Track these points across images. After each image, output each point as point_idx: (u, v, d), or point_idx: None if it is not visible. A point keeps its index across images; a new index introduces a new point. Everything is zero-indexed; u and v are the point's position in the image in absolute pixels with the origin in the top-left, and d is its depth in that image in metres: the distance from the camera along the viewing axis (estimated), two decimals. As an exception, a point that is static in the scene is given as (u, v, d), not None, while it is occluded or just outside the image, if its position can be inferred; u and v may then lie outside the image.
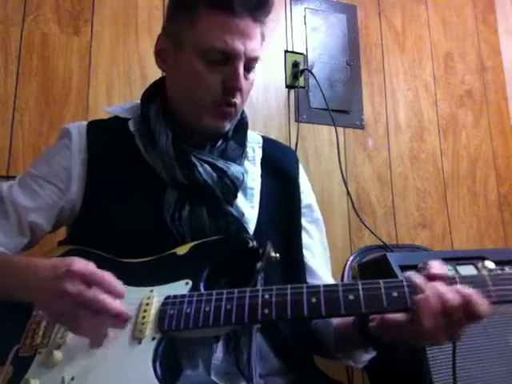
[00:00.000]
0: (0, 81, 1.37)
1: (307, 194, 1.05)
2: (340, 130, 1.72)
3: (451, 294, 0.66)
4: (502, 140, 2.01)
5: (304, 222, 1.01)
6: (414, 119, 1.88)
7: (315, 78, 1.70)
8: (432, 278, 0.69)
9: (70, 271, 0.67)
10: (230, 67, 0.86)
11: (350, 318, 0.84)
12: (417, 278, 0.69)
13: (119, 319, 0.68)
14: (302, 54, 1.75)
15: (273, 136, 1.51)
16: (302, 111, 1.70)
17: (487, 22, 2.12)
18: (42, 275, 0.71)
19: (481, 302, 0.66)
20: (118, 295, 0.69)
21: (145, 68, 1.52)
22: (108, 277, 0.69)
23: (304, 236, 1.00)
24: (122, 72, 1.50)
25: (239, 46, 0.84)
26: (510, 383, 1.08)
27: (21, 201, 0.89)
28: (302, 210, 1.01)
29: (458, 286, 0.67)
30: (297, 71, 1.70)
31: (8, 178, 1.28)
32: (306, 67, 1.73)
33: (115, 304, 0.68)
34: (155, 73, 1.50)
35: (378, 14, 1.92)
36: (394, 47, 1.92)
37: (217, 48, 0.84)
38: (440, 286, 0.67)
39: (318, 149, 1.70)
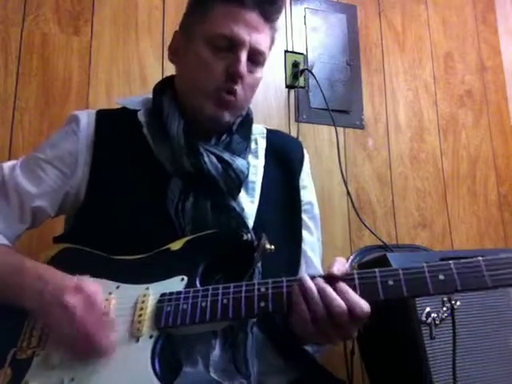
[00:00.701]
0: (0, 81, 1.37)
1: (309, 190, 1.05)
2: (340, 130, 1.72)
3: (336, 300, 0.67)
4: (501, 140, 2.01)
5: (305, 217, 1.01)
6: (414, 119, 1.88)
7: (315, 78, 1.70)
8: (329, 278, 0.71)
9: (77, 286, 0.71)
10: (233, 54, 0.89)
11: None
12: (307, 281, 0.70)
13: (103, 353, 0.70)
14: (302, 54, 1.75)
15: (273, 136, 1.51)
16: (302, 111, 1.70)
17: (487, 22, 2.12)
18: (51, 285, 0.73)
19: (363, 306, 0.67)
20: (109, 326, 0.71)
21: (144, 68, 1.52)
22: (106, 313, 0.72)
23: (304, 232, 1.00)
24: (121, 72, 1.50)
25: (244, 34, 0.88)
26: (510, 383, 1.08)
27: (24, 185, 0.89)
28: (304, 207, 1.01)
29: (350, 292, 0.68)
30: (297, 71, 1.70)
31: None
32: (306, 67, 1.73)
33: (107, 340, 0.70)
34: (155, 73, 1.51)
35: (378, 14, 1.92)
36: (394, 47, 1.92)
37: (223, 34, 0.88)
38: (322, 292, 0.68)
39: (318, 149, 1.70)
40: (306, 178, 1.05)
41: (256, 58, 0.92)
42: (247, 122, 1.00)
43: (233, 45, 0.88)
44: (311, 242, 1.01)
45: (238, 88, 0.90)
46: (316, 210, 1.06)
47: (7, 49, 1.39)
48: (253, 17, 0.89)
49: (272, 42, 0.96)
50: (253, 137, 1.02)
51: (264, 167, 0.99)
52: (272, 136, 1.06)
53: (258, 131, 1.05)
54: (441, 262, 0.70)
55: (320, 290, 0.69)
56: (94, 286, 0.73)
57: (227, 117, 0.93)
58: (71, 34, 1.47)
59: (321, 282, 0.70)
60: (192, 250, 0.81)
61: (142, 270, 0.80)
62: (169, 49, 0.99)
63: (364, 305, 0.68)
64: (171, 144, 0.89)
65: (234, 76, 0.89)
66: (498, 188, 1.94)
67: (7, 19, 1.41)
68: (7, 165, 0.93)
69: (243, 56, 0.89)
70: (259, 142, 1.03)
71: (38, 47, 1.43)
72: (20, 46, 1.41)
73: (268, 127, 1.09)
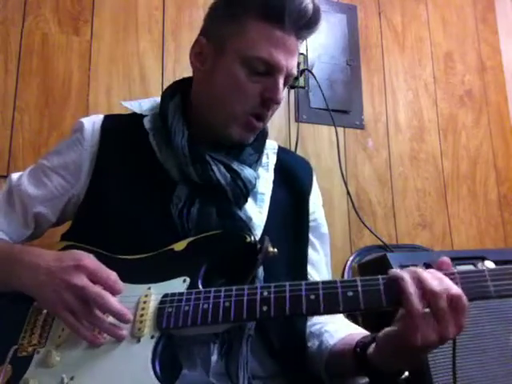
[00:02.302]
0: (0, 81, 1.37)
1: (317, 209, 1.04)
2: (340, 130, 1.72)
3: (431, 278, 0.65)
4: (501, 140, 2.01)
5: (312, 236, 1.00)
6: (414, 119, 1.88)
7: (315, 78, 1.70)
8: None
9: (78, 265, 0.71)
10: (271, 79, 0.86)
11: (352, 344, 0.80)
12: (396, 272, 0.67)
13: (121, 319, 0.70)
14: (302, 54, 1.74)
15: (273, 136, 1.51)
16: (301, 111, 1.70)
17: (487, 21, 2.12)
18: (45, 266, 0.73)
19: (461, 293, 0.64)
20: (117, 293, 0.72)
21: (144, 68, 1.52)
22: (114, 276, 0.72)
23: (310, 251, 0.99)
24: (121, 72, 1.50)
25: (283, 60, 0.85)
26: (510, 383, 1.08)
27: (28, 190, 0.91)
28: (311, 224, 1.00)
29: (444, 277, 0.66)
30: (297, 71, 1.70)
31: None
32: (305, 67, 1.73)
33: (118, 304, 0.70)
34: (155, 73, 1.52)
35: (378, 14, 1.92)
36: (393, 47, 1.92)
37: (262, 58, 0.84)
38: (421, 271, 0.66)
39: (318, 149, 1.70)
40: (314, 199, 1.03)
41: (287, 82, 0.90)
42: (262, 134, 0.99)
43: (270, 70, 0.85)
44: (316, 260, 1.00)
45: (270, 113, 0.90)
46: (324, 230, 1.04)
47: (7, 49, 1.39)
48: (290, 40, 0.86)
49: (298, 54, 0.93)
50: (265, 151, 1.01)
51: (273, 182, 0.98)
52: (282, 154, 1.05)
53: (270, 146, 1.04)
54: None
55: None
56: (90, 257, 0.73)
57: (251, 139, 0.93)
58: (71, 33, 1.47)
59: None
60: (195, 250, 0.81)
61: (144, 270, 0.80)
62: (193, 55, 0.93)
63: (458, 291, 0.65)
64: (176, 153, 0.88)
65: (269, 102, 0.87)
66: (498, 188, 1.94)
67: (7, 19, 1.40)
68: (16, 174, 0.95)
69: (281, 83, 0.86)
70: (270, 157, 1.02)
71: (38, 47, 1.42)
72: (20, 46, 1.40)
73: (280, 145, 1.08)
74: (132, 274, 0.79)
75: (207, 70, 0.91)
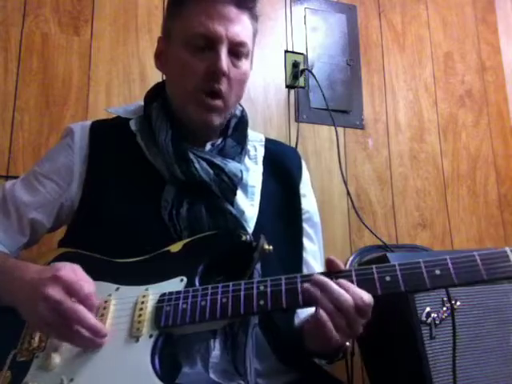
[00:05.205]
0: (0, 81, 1.37)
1: (309, 199, 1.05)
2: (340, 129, 1.72)
3: (342, 295, 0.68)
4: (501, 140, 2.01)
5: (306, 226, 1.01)
6: (414, 119, 1.88)
7: (315, 78, 1.70)
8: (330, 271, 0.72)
9: (54, 276, 0.69)
10: (213, 52, 0.86)
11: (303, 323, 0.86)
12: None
13: (95, 335, 0.69)
14: (302, 54, 1.75)
15: (273, 136, 1.50)
16: (301, 111, 1.70)
17: (487, 21, 2.12)
18: (28, 279, 0.72)
19: (364, 297, 0.68)
20: (90, 308, 0.70)
21: (144, 68, 1.52)
22: (86, 290, 0.70)
23: (306, 241, 1.00)
24: (121, 72, 1.50)
25: (220, 29, 0.85)
26: (510, 383, 1.08)
27: (21, 197, 0.91)
28: (304, 215, 1.01)
29: (350, 285, 0.69)
30: (297, 71, 1.70)
31: (8, 177, 1.28)
32: (305, 67, 1.73)
33: (93, 320, 0.69)
34: (155, 73, 1.51)
35: (378, 14, 1.92)
36: (393, 47, 1.92)
37: (198, 33, 0.86)
38: (331, 287, 0.69)
39: (318, 149, 1.70)
40: (304, 187, 1.04)
41: (238, 51, 0.88)
42: (242, 123, 0.99)
43: (210, 43, 0.86)
44: (313, 250, 1.01)
45: (223, 87, 0.87)
46: (317, 219, 1.05)
47: (7, 49, 1.39)
48: (227, 9, 0.86)
49: (255, 30, 0.93)
50: (251, 143, 1.01)
51: (263, 174, 0.98)
52: (270, 145, 1.05)
53: (257, 139, 1.04)
54: (437, 258, 0.70)
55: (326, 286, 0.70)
56: (71, 270, 0.72)
57: (217, 120, 0.91)
58: (71, 34, 1.47)
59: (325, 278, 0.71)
60: (191, 251, 0.81)
61: (141, 272, 0.80)
62: (154, 56, 0.97)
63: (365, 295, 0.68)
64: (162, 152, 0.89)
65: (216, 75, 0.86)
66: (498, 188, 1.94)
67: (7, 19, 1.41)
68: (9, 182, 0.96)
69: (223, 52, 0.85)
70: (258, 150, 1.02)
71: (38, 47, 1.43)
72: (20, 45, 1.41)
73: (266, 136, 1.08)
74: (129, 277, 0.79)
75: (165, 63, 0.94)
